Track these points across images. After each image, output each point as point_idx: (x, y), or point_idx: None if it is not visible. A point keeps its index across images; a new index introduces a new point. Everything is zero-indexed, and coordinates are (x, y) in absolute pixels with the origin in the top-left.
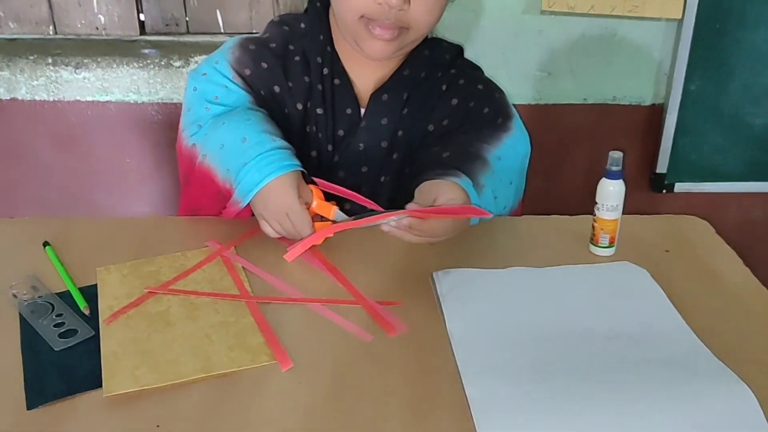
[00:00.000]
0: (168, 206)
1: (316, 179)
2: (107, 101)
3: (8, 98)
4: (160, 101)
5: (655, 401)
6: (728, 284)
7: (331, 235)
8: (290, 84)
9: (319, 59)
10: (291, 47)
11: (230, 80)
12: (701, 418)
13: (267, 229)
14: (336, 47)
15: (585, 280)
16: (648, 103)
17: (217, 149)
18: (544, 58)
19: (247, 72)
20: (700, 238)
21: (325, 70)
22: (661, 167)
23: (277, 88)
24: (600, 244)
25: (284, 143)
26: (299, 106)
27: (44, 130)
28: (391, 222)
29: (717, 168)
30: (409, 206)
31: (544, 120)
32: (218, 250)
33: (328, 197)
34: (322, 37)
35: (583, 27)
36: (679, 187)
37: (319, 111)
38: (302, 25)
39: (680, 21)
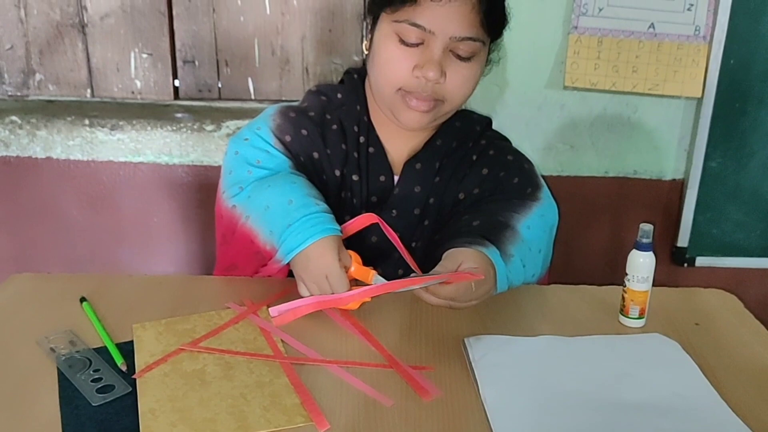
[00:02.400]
0: (193, 265)
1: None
2: (139, 162)
3: (44, 157)
4: (190, 163)
5: None
6: (760, 359)
7: (368, 299)
8: (328, 151)
9: (355, 128)
10: (328, 116)
11: (271, 145)
12: None
13: (303, 291)
14: (371, 117)
15: (617, 351)
16: (668, 177)
17: (262, 210)
18: (567, 132)
19: (288, 138)
20: (728, 312)
21: (361, 139)
22: (682, 241)
23: (315, 155)
24: (630, 315)
25: (327, 207)
26: (337, 173)
27: (76, 188)
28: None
29: (738, 243)
30: (433, 271)
31: (566, 191)
32: (247, 311)
33: (366, 264)
34: (358, 107)
35: (605, 103)
36: (701, 261)
37: (355, 177)
38: (339, 96)
39: (700, 99)
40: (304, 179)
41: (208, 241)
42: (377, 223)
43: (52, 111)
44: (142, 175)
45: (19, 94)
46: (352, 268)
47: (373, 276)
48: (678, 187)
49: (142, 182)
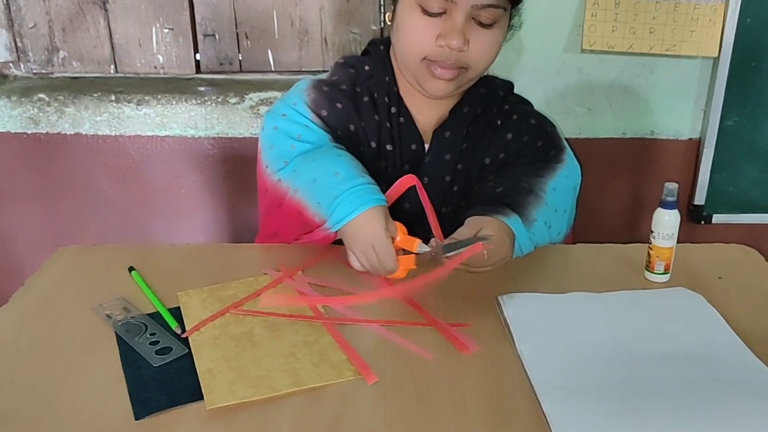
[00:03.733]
0: (222, 235)
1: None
2: (166, 135)
3: (72, 133)
4: (216, 136)
5: (723, 419)
6: None
7: (415, 266)
8: (363, 123)
9: (386, 99)
10: (358, 89)
11: (310, 120)
12: None
13: (354, 261)
14: (398, 87)
15: (644, 305)
16: (685, 137)
17: (309, 183)
18: (584, 95)
19: (324, 113)
20: (750, 266)
21: (392, 109)
22: (699, 199)
23: (352, 127)
24: (656, 271)
25: (371, 179)
26: (373, 144)
27: (106, 163)
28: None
29: (754, 200)
30: (452, 236)
31: (584, 153)
32: (283, 275)
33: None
34: (387, 78)
35: (622, 65)
36: (717, 218)
37: (389, 147)
38: (366, 67)
39: (716, 59)
40: (346, 152)
41: (235, 211)
42: (411, 189)
43: (78, 88)
44: (168, 148)
45: (44, 71)
46: (398, 238)
47: (418, 245)
48: (695, 147)
49: (169, 155)
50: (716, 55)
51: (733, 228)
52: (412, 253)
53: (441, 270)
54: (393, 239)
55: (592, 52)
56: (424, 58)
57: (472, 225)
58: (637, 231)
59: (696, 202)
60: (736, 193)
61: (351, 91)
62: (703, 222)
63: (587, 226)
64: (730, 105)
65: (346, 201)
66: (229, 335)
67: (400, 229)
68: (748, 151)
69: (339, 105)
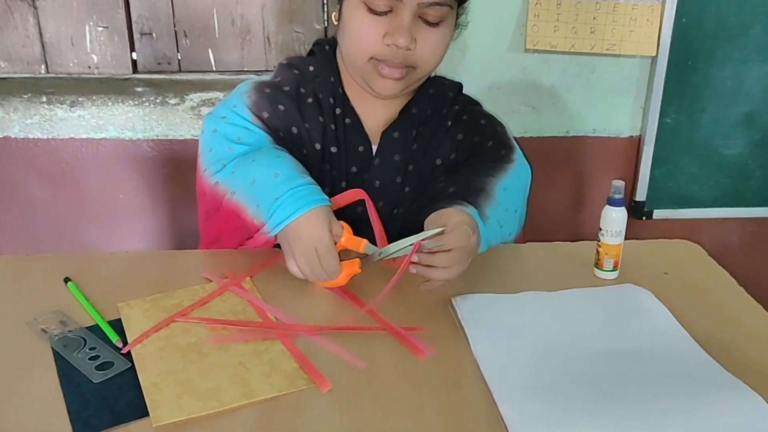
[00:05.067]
0: (163, 241)
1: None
2: (102, 138)
3: (1, 137)
4: (155, 138)
5: (676, 412)
6: (726, 303)
7: (359, 270)
8: (306, 125)
9: (331, 100)
10: (302, 90)
11: (250, 122)
12: (720, 427)
13: (293, 267)
14: (345, 88)
15: (595, 302)
16: (626, 135)
17: (248, 185)
18: (529, 94)
19: (265, 115)
20: (694, 260)
21: (337, 111)
22: (640, 195)
23: (295, 129)
24: (605, 268)
25: (312, 180)
26: (317, 146)
27: (37, 168)
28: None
29: (692, 195)
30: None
31: (530, 152)
32: (230, 282)
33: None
34: (332, 79)
35: (564, 64)
36: (658, 213)
37: (333, 149)
38: (311, 68)
39: (654, 58)
40: (287, 153)
41: (177, 216)
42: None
43: (6, 89)
44: (105, 151)
45: None
46: (343, 239)
47: (364, 245)
48: (635, 144)
49: (105, 159)
50: (654, 54)
51: (674, 223)
52: (357, 256)
53: (399, 273)
54: (339, 239)
55: (535, 51)
56: (371, 58)
57: (435, 221)
58: (582, 228)
59: (637, 198)
60: (676, 189)
61: (294, 92)
62: (644, 218)
63: (533, 224)
64: (668, 102)
65: (287, 202)
66: (174, 347)
67: (345, 229)
68: (686, 147)
69: (281, 107)
